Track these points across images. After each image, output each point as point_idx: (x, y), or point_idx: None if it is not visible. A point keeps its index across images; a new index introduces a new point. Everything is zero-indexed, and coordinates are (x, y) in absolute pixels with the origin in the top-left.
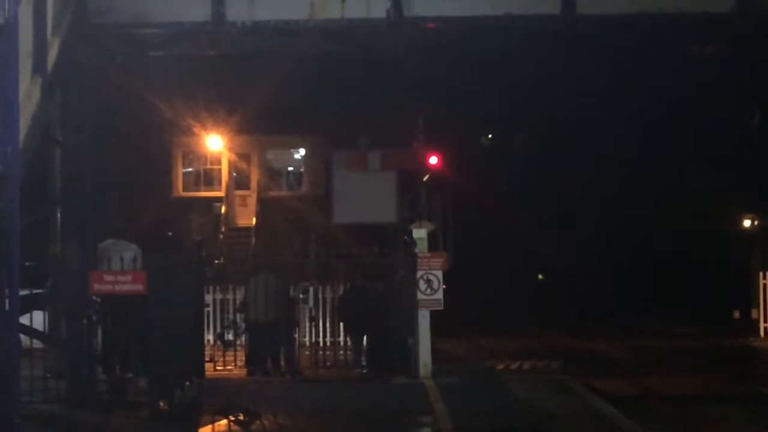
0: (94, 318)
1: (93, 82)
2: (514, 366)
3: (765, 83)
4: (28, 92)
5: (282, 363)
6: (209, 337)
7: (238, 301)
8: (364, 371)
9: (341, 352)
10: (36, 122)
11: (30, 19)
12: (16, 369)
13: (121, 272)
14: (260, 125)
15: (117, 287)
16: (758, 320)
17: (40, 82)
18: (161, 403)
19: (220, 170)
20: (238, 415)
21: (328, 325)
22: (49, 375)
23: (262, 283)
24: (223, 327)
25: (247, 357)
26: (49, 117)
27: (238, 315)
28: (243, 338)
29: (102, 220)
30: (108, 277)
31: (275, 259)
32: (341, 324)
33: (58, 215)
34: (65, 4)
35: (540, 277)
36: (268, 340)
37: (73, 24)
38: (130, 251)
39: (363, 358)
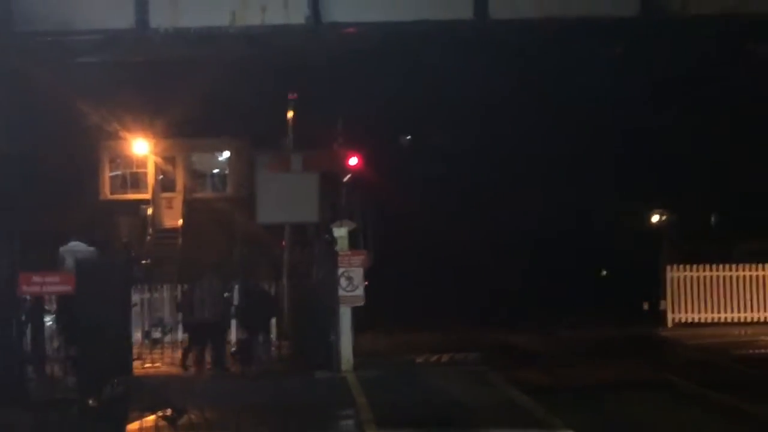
0: (23, 318)
1: (20, 87)
2: (433, 359)
3: (670, 84)
4: None
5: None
6: (137, 335)
7: (165, 300)
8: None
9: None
10: None
11: None
12: None
13: (49, 273)
14: (185, 129)
15: (45, 288)
16: (666, 311)
17: None
18: (90, 401)
19: (146, 173)
20: (166, 411)
21: None
22: None
23: (206, 285)
24: (150, 325)
25: (184, 354)
26: None
27: (175, 314)
28: (170, 336)
29: (30, 224)
30: (36, 278)
31: (210, 260)
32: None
33: None
34: None
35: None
36: (208, 338)
37: (0, 32)
38: (86, 254)
39: (263, 354)
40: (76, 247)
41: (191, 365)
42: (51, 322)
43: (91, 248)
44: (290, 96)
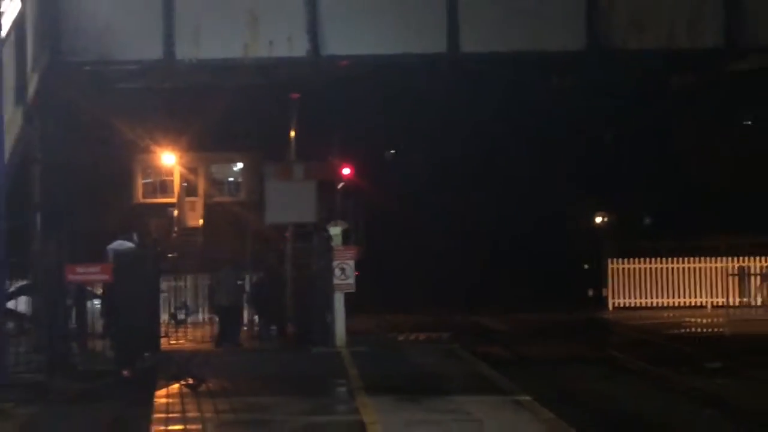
0: (69, 302)
1: (66, 109)
2: (413, 337)
3: (612, 107)
4: (12, 118)
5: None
6: (165, 316)
7: (188, 288)
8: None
9: (272, 328)
10: (19, 143)
11: (13, 58)
12: (6, 346)
13: (91, 264)
14: (206, 144)
15: (88, 277)
16: (608, 298)
17: (22, 110)
18: (125, 371)
19: (172, 181)
20: (188, 380)
21: None
22: (32, 350)
23: (224, 275)
24: (175, 308)
25: (219, 333)
26: (29, 138)
27: (196, 299)
28: (192, 317)
29: (74, 223)
30: (80, 269)
31: (224, 255)
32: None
33: (38, 219)
34: (43, 46)
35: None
36: (225, 319)
37: (50, 62)
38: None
39: (274, 330)
40: (119, 247)
41: (222, 341)
42: (98, 305)
43: (131, 245)
44: (293, 96)
